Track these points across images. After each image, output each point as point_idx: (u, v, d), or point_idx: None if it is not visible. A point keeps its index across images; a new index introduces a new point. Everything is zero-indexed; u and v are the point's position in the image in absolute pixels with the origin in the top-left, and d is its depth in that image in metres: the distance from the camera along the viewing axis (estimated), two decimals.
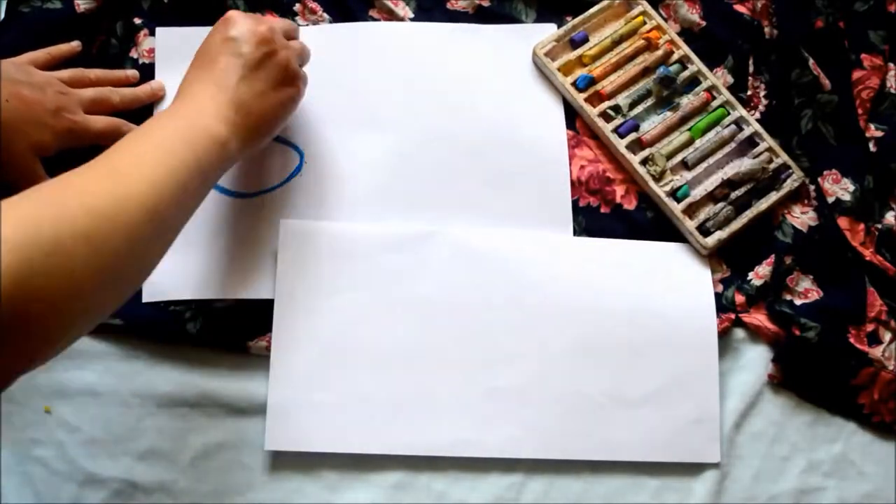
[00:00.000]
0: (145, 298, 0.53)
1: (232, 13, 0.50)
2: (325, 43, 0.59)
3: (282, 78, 0.49)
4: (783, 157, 0.58)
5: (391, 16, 0.61)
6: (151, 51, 0.58)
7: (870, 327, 0.56)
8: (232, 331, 0.53)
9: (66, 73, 0.54)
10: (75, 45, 0.57)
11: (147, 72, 0.58)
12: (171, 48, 0.58)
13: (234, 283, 0.54)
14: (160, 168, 0.41)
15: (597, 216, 0.57)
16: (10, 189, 0.48)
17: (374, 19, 0.60)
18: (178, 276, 0.54)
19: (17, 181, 0.50)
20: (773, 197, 0.57)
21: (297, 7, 0.60)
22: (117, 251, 0.38)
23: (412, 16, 0.61)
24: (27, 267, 0.34)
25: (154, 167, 0.41)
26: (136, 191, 0.40)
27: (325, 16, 0.60)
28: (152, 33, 0.58)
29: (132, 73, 0.58)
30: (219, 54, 0.48)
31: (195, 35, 0.58)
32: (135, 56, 0.58)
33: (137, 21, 0.58)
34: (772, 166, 0.58)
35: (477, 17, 0.61)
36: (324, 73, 0.58)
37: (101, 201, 0.38)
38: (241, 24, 0.49)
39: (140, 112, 0.56)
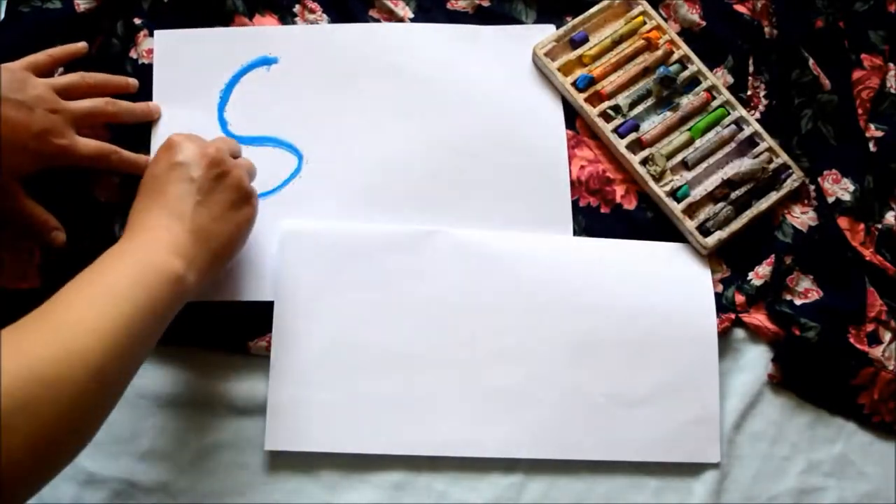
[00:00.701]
0: None
1: (173, 137, 0.48)
2: (324, 43, 0.60)
3: (237, 198, 0.48)
4: (783, 157, 0.59)
5: (391, 16, 0.61)
6: (151, 51, 0.58)
7: (870, 327, 0.56)
8: (232, 331, 0.53)
9: (63, 81, 0.52)
10: (81, 46, 0.56)
11: (146, 72, 0.58)
12: (170, 51, 0.58)
13: (234, 286, 0.54)
14: (109, 319, 0.39)
15: (597, 216, 0.58)
16: None
17: (373, 19, 0.61)
18: None
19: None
20: (773, 197, 0.58)
21: (297, 7, 0.61)
22: (60, 417, 0.36)
23: (412, 16, 0.61)
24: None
25: (102, 318, 0.39)
26: (82, 349, 0.37)
27: (325, 16, 0.61)
28: (152, 34, 0.59)
29: (133, 82, 0.56)
30: (168, 182, 0.46)
31: (193, 37, 0.59)
32: (134, 56, 0.58)
33: (137, 21, 0.59)
34: (772, 166, 0.58)
35: (477, 17, 0.62)
36: (323, 75, 0.59)
37: (42, 365, 0.36)
38: (187, 148, 0.47)
39: (134, 130, 0.56)
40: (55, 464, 0.38)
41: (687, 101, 0.59)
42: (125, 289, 0.41)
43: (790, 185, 0.58)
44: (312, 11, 0.61)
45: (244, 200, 0.48)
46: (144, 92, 0.58)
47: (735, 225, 0.57)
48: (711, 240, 0.56)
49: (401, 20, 0.61)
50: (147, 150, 0.56)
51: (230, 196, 0.47)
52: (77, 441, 0.39)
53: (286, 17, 0.60)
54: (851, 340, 0.55)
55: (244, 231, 0.49)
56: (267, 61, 0.59)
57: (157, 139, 0.57)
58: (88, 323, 0.38)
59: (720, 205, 0.58)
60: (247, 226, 0.49)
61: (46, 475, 0.38)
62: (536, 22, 0.62)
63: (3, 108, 0.47)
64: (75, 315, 0.39)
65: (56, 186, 0.54)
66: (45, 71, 0.53)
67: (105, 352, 0.38)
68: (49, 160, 0.50)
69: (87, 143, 0.51)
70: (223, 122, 0.58)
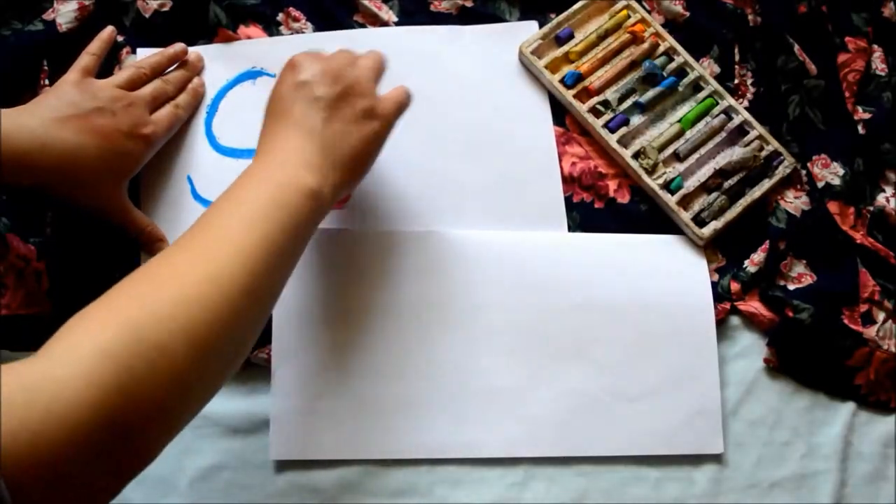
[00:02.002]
0: None
1: (296, 57, 0.49)
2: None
3: (362, 112, 0.48)
4: (774, 145, 0.60)
5: (375, 20, 0.62)
6: None
7: (863, 308, 0.58)
8: None
9: (124, 76, 0.54)
10: (110, 29, 0.58)
11: None
12: None
13: None
14: (252, 239, 0.40)
15: (591, 212, 0.59)
16: (94, 217, 0.50)
17: (358, 24, 0.62)
18: None
19: (106, 215, 0.53)
20: (766, 184, 0.59)
21: (281, 16, 0.61)
22: (217, 337, 0.37)
23: (396, 19, 0.62)
24: (129, 377, 0.33)
25: (246, 239, 0.40)
26: (230, 270, 0.39)
27: (309, 24, 0.61)
28: (135, 51, 0.59)
29: (180, 46, 0.59)
30: (294, 101, 0.47)
31: None
32: None
33: (120, 38, 0.59)
34: (763, 154, 0.60)
35: (460, 17, 0.62)
36: None
37: (195, 289, 0.38)
38: (310, 66, 0.48)
39: None
40: (215, 382, 0.40)
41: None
42: (264, 209, 0.42)
43: (782, 171, 0.60)
44: (297, 20, 0.61)
45: (370, 114, 0.48)
46: None
47: (730, 214, 0.58)
48: (707, 230, 0.58)
49: (385, 24, 0.62)
50: None
51: (355, 110, 0.48)
52: (233, 359, 0.41)
53: (271, 27, 0.61)
54: (846, 321, 0.57)
55: (372, 144, 0.49)
56: (252, 74, 0.60)
57: None
58: (233, 244, 0.40)
59: (714, 195, 0.59)
60: (374, 139, 0.49)
61: (206, 396, 0.39)
62: (520, 20, 0.63)
63: (91, 119, 0.49)
64: (219, 238, 0.40)
65: (51, 210, 0.56)
66: (96, 70, 0.55)
67: (252, 270, 0.40)
68: (145, 152, 0.53)
69: (163, 118, 0.54)
70: (211, 137, 0.59)
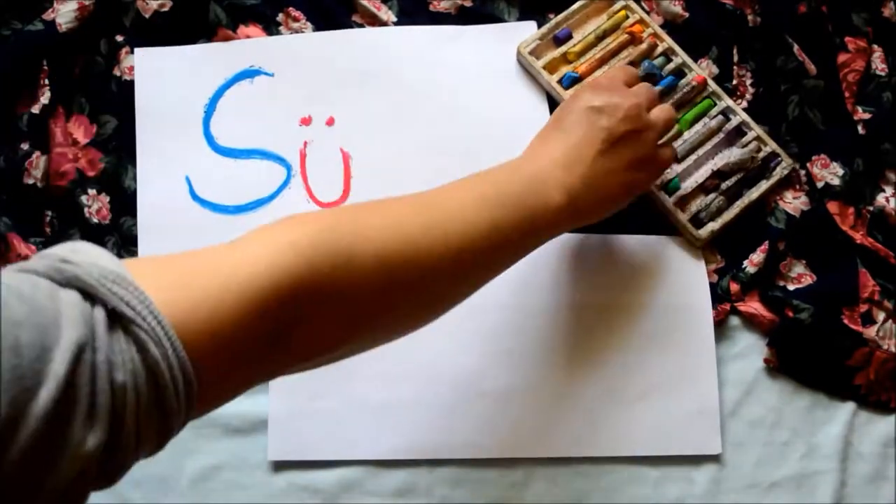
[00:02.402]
0: None
1: (601, 79, 0.49)
2: (307, 52, 0.61)
3: (638, 160, 0.48)
4: (772, 146, 0.61)
5: (374, 20, 0.63)
6: (133, 68, 0.60)
7: (863, 308, 0.58)
8: None
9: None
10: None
11: (130, 89, 0.59)
12: (151, 67, 0.60)
13: None
14: (482, 215, 0.41)
15: None
16: None
17: (357, 24, 0.62)
18: None
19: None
20: (764, 186, 0.59)
21: (280, 16, 0.62)
22: (411, 280, 0.39)
23: (395, 19, 0.63)
24: (308, 269, 0.35)
25: (476, 213, 0.41)
26: (448, 228, 0.40)
27: (309, 24, 0.62)
28: (132, 51, 0.60)
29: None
30: (580, 123, 0.47)
31: (174, 54, 0.60)
32: (118, 74, 0.60)
33: (119, 38, 0.60)
34: (761, 155, 0.60)
35: (459, 17, 0.63)
36: (308, 83, 0.60)
37: (407, 228, 0.39)
38: (609, 95, 0.48)
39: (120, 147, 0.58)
40: (398, 323, 0.41)
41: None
42: (506, 197, 0.43)
43: (780, 173, 0.60)
44: (296, 20, 0.62)
45: (645, 164, 0.49)
46: (126, 109, 0.59)
47: (727, 215, 0.59)
48: (704, 231, 0.58)
49: (384, 24, 0.62)
50: (127, 158, 0.58)
51: (632, 155, 0.48)
52: (421, 311, 0.42)
53: (270, 27, 0.62)
54: (845, 321, 0.57)
55: (629, 195, 0.50)
56: (250, 73, 0.61)
57: (143, 158, 0.58)
58: (464, 213, 0.41)
59: (711, 196, 0.59)
60: (634, 189, 0.50)
61: (389, 330, 0.41)
62: (519, 20, 0.63)
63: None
64: (451, 204, 0.42)
65: (51, 210, 0.56)
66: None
67: (469, 241, 0.40)
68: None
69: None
70: (209, 136, 0.60)
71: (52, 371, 0.27)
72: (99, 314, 0.29)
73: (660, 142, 0.52)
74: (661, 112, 0.51)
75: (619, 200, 0.49)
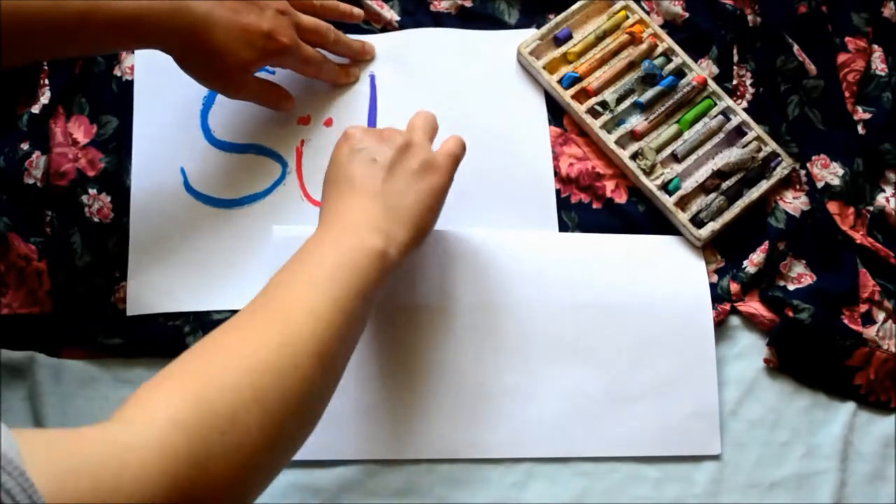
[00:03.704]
0: (130, 312, 0.56)
1: (349, 129, 0.51)
2: None
3: (420, 168, 0.50)
4: (772, 146, 0.62)
5: (378, 18, 0.63)
6: (133, 68, 0.61)
7: (863, 308, 0.59)
8: None
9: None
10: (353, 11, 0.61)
11: (130, 90, 0.60)
12: (152, 59, 0.60)
13: (221, 294, 0.57)
14: (323, 304, 0.42)
15: (589, 212, 0.60)
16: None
17: (362, 21, 0.63)
18: (162, 288, 0.56)
19: (225, 90, 0.56)
20: (764, 185, 0.60)
21: None
22: (289, 405, 0.39)
23: (398, 18, 0.64)
24: (200, 448, 0.34)
25: (316, 304, 0.42)
26: (300, 336, 0.40)
27: None
28: (134, 51, 0.61)
29: (358, 11, 0.61)
30: (352, 166, 0.49)
31: None
32: (118, 74, 0.61)
33: None
34: (761, 155, 0.61)
35: (459, 17, 0.64)
36: (306, 81, 0.61)
37: (267, 356, 0.39)
38: (363, 135, 0.51)
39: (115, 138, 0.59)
40: (286, 451, 0.41)
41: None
42: (333, 273, 0.44)
43: (780, 172, 0.61)
44: None
45: (428, 169, 0.50)
46: (126, 105, 0.60)
47: (727, 215, 0.59)
48: (705, 231, 0.59)
49: (388, 23, 0.63)
50: (128, 158, 0.59)
51: (412, 166, 0.50)
52: (304, 429, 0.42)
53: None
54: (845, 321, 0.58)
55: (433, 198, 0.50)
56: None
57: (139, 147, 0.59)
58: (303, 310, 0.41)
59: (712, 196, 0.60)
60: (434, 192, 0.50)
61: (278, 464, 0.40)
62: (519, 20, 0.64)
63: (238, 17, 0.52)
64: (288, 303, 0.42)
65: (51, 210, 0.57)
66: None
67: (322, 335, 0.41)
68: (273, 57, 0.55)
69: (307, 48, 0.57)
70: (206, 129, 0.61)
71: None
72: None
73: None
74: (418, 119, 0.53)
75: (429, 210, 0.50)
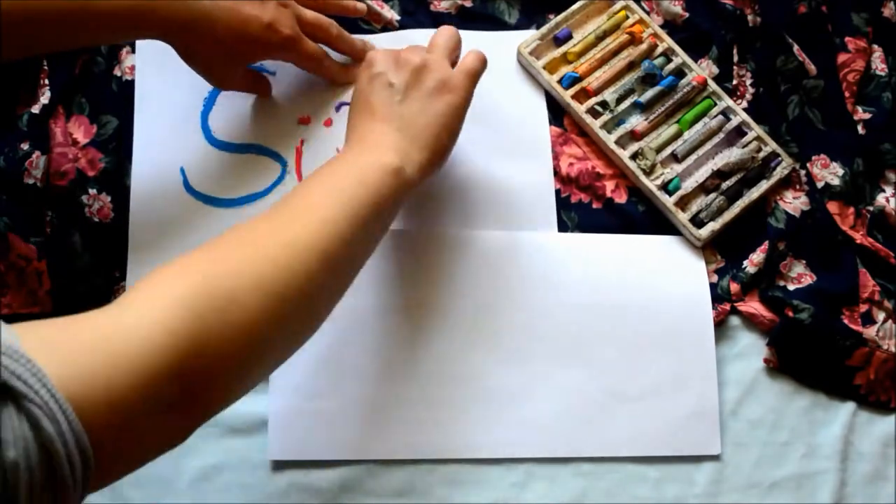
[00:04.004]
0: None
1: (370, 53, 0.53)
2: None
3: (435, 87, 0.51)
4: (772, 146, 0.62)
5: (378, 18, 0.64)
6: (134, 68, 0.61)
7: (863, 308, 0.59)
8: None
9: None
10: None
11: (130, 90, 0.61)
12: (152, 58, 0.61)
13: None
14: (333, 211, 0.44)
15: (589, 212, 0.60)
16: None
17: (362, 21, 0.63)
18: None
19: (221, 83, 0.57)
20: (764, 185, 0.61)
21: None
22: (290, 296, 0.40)
23: (399, 18, 0.64)
24: (201, 325, 0.36)
25: (327, 210, 0.44)
26: (307, 236, 0.42)
27: None
28: (135, 50, 0.61)
29: (361, 5, 0.62)
30: (371, 93, 0.51)
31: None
32: (118, 74, 0.61)
33: None
34: (761, 155, 0.61)
35: (459, 17, 0.64)
36: (306, 82, 0.62)
37: (271, 250, 0.41)
38: (382, 58, 0.52)
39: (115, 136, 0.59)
40: (287, 342, 0.42)
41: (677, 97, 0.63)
42: (347, 185, 0.46)
43: (780, 172, 0.61)
44: None
45: (444, 88, 0.51)
46: (126, 109, 0.60)
47: (727, 215, 0.60)
48: (705, 231, 0.59)
49: (388, 22, 0.64)
50: (127, 158, 0.59)
51: (428, 87, 0.51)
52: (305, 323, 0.43)
53: None
54: (845, 321, 0.58)
55: (450, 117, 0.51)
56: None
57: (139, 146, 0.60)
58: (313, 214, 0.43)
59: (712, 196, 0.61)
60: (451, 111, 0.51)
61: (279, 353, 0.42)
62: (519, 20, 0.65)
63: (239, 7, 0.52)
64: (301, 208, 0.44)
65: (51, 210, 0.58)
66: None
67: (330, 238, 0.43)
68: (274, 50, 0.56)
69: (309, 42, 0.57)
70: (206, 129, 0.61)
71: None
72: None
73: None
74: (438, 37, 0.54)
75: (446, 129, 0.51)
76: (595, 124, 0.61)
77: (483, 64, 0.54)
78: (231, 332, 0.37)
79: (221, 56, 0.54)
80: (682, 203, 0.61)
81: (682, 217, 0.60)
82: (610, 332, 0.58)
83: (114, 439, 0.32)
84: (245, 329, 0.38)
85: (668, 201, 0.60)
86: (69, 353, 0.32)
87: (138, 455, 0.36)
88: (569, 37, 0.64)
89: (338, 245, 0.43)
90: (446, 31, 0.54)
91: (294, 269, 0.41)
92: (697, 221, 0.60)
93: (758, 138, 0.62)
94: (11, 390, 0.29)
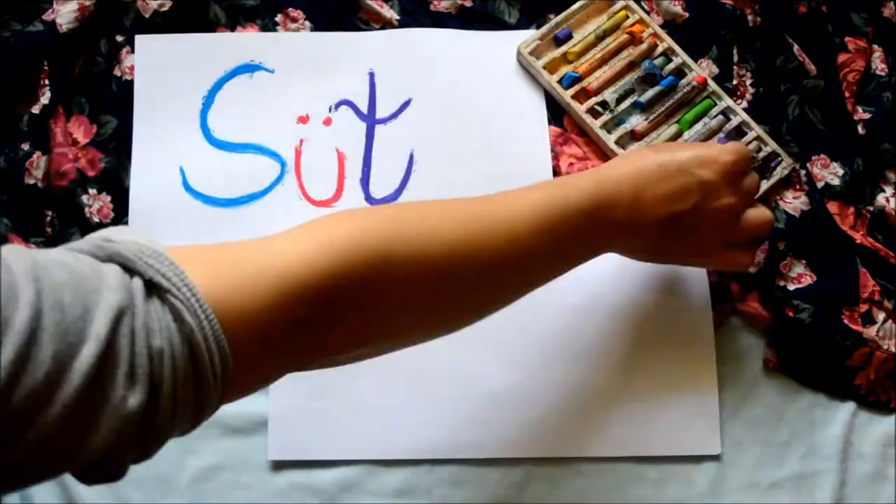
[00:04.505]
0: None
1: (738, 148, 0.50)
2: (307, 50, 0.63)
3: (700, 253, 0.50)
4: (772, 146, 0.62)
5: (378, 17, 0.64)
6: (133, 68, 0.62)
7: (863, 308, 0.59)
8: None
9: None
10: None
11: (130, 89, 0.61)
12: (152, 56, 0.61)
13: None
14: (531, 236, 0.43)
15: None
16: None
17: (361, 21, 0.64)
18: None
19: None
20: (764, 185, 0.61)
21: (280, 17, 0.64)
22: (446, 288, 0.41)
23: (398, 17, 0.65)
24: (343, 269, 0.36)
25: (526, 229, 0.43)
26: (489, 243, 0.41)
27: (307, 24, 0.64)
28: (134, 50, 0.62)
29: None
30: (678, 183, 0.47)
31: (176, 43, 0.61)
32: (118, 74, 0.62)
33: (119, 38, 0.62)
34: (761, 155, 0.62)
35: (460, 17, 0.65)
36: (306, 81, 0.62)
37: (445, 237, 0.40)
38: (720, 177, 0.48)
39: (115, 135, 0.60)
40: (421, 323, 0.42)
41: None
42: (559, 220, 0.44)
43: (780, 172, 0.62)
44: (295, 20, 0.64)
45: (708, 250, 0.51)
46: (126, 109, 0.61)
47: None
48: None
49: (388, 22, 0.64)
50: (127, 158, 0.60)
51: (710, 240, 0.50)
52: (460, 318, 0.43)
53: (269, 28, 0.63)
54: (845, 321, 0.59)
55: (684, 259, 0.52)
56: (250, 68, 0.62)
57: (138, 145, 0.60)
58: (510, 228, 0.43)
59: None
60: (690, 257, 0.52)
61: (414, 326, 0.42)
62: (519, 20, 0.65)
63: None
64: (502, 215, 0.43)
65: (51, 210, 0.58)
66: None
67: (508, 256, 0.42)
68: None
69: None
70: (205, 128, 0.61)
71: (94, 330, 0.28)
72: (137, 283, 0.31)
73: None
74: (756, 217, 0.51)
75: (660, 258, 0.51)
76: (595, 124, 0.62)
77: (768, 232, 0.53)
78: (375, 289, 0.38)
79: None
80: None
81: None
82: (610, 332, 0.58)
83: (247, 349, 0.33)
84: (389, 293, 0.38)
85: None
86: (214, 264, 0.34)
87: (269, 369, 0.37)
88: (569, 36, 0.64)
89: (513, 267, 0.43)
90: (769, 219, 0.52)
91: (456, 264, 0.40)
92: None
93: (758, 138, 0.63)
94: (157, 287, 0.31)
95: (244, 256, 0.35)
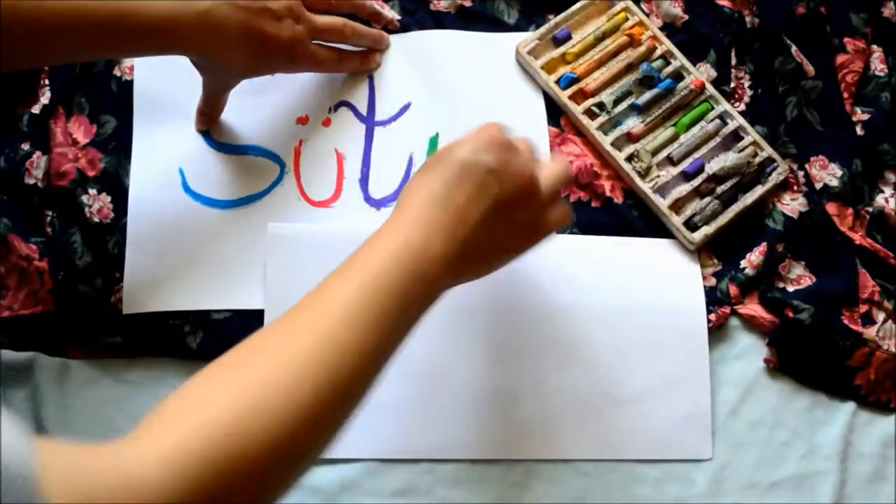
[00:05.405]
0: (126, 310, 0.57)
1: (482, 136, 0.47)
2: None
3: (525, 227, 0.49)
4: (768, 151, 0.63)
5: (378, 18, 0.65)
6: (133, 68, 0.62)
7: (863, 308, 0.60)
8: (232, 343, 0.57)
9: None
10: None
11: (130, 89, 0.62)
12: (151, 63, 0.62)
13: (220, 293, 0.58)
14: (359, 335, 0.41)
15: (588, 211, 0.62)
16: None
17: (362, 22, 0.64)
18: (159, 287, 0.57)
19: (218, 90, 0.59)
20: (759, 191, 0.61)
21: None
22: (308, 431, 0.39)
23: (399, 17, 0.65)
24: (215, 476, 0.34)
25: (354, 332, 0.41)
26: (327, 366, 0.39)
27: None
28: None
29: (369, 4, 0.63)
30: (467, 182, 0.45)
31: None
32: (118, 74, 0.62)
33: None
34: (757, 160, 0.62)
35: (459, 16, 0.66)
36: (306, 83, 0.63)
37: (280, 397, 0.38)
38: (498, 153, 0.46)
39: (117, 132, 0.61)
40: (319, 452, 0.41)
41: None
42: (386, 293, 0.43)
43: (775, 178, 0.62)
44: None
45: (531, 229, 0.50)
46: (126, 105, 0.61)
47: (722, 219, 0.60)
48: (698, 235, 0.60)
49: (388, 22, 0.65)
50: (127, 158, 0.61)
51: (521, 219, 0.49)
52: (336, 431, 0.42)
53: None
54: (845, 321, 0.59)
55: (512, 258, 0.50)
56: None
57: (138, 147, 0.61)
58: (334, 339, 0.41)
59: (706, 200, 0.61)
60: (517, 255, 0.50)
61: (317, 457, 0.41)
62: (519, 20, 0.66)
63: (260, 23, 0.53)
64: (323, 335, 0.41)
65: (51, 210, 0.59)
66: None
67: (351, 368, 0.41)
68: (289, 66, 0.59)
69: (321, 51, 0.60)
70: (205, 130, 0.62)
71: None
72: None
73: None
74: (551, 172, 0.50)
75: (496, 265, 0.50)
76: (591, 125, 0.63)
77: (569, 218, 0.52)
78: (238, 484, 0.36)
79: (238, 72, 0.57)
80: (677, 206, 0.62)
81: (676, 220, 0.61)
82: (603, 333, 0.59)
83: None
84: (252, 481, 0.37)
85: (663, 204, 0.61)
86: (81, 487, 0.31)
87: None
88: (568, 37, 0.65)
89: (357, 375, 0.41)
90: (561, 169, 0.51)
91: (307, 405, 0.39)
92: (691, 225, 0.61)
93: (754, 143, 0.63)
94: None
95: (105, 480, 0.32)
